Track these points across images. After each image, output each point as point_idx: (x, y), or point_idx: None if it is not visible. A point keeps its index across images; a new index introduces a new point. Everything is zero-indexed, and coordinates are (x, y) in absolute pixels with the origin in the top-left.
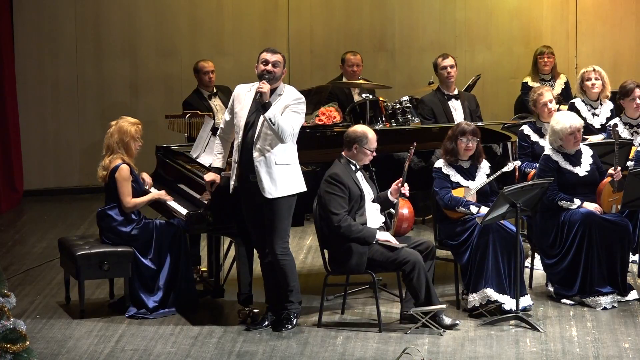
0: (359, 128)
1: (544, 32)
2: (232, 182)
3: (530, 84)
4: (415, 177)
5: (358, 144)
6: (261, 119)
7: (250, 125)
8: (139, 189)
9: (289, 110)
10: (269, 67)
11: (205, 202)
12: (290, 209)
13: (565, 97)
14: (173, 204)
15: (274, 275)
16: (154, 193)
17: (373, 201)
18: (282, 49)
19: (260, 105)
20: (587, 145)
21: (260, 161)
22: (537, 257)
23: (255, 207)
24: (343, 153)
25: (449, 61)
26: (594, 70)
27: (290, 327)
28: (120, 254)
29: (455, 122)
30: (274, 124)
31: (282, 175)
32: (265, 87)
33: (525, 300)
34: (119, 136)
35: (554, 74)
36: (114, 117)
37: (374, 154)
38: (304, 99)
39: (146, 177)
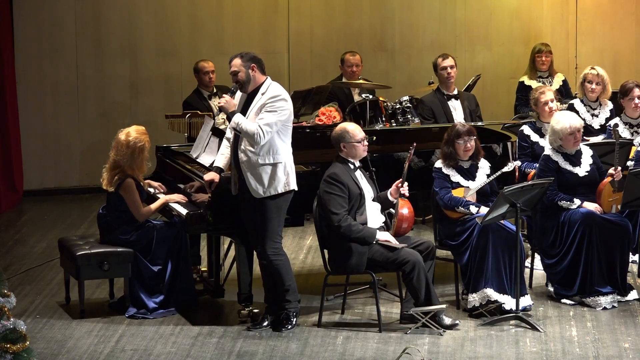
0: (337, 128)
1: (544, 32)
2: (232, 184)
3: (527, 83)
4: (415, 177)
5: (343, 141)
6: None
7: None
8: (141, 198)
9: (264, 110)
10: (233, 78)
11: (190, 190)
12: (279, 209)
13: (563, 96)
14: (173, 204)
15: (270, 275)
16: (168, 197)
17: (373, 200)
18: (282, 49)
19: (226, 117)
20: (587, 145)
21: (245, 162)
22: (537, 257)
23: (248, 206)
24: (339, 154)
25: (449, 61)
26: (597, 74)
27: (290, 326)
28: (120, 254)
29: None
30: (240, 132)
31: (268, 175)
32: (223, 100)
33: (525, 300)
34: (132, 156)
35: (551, 72)
36: (114, 117)
37: (366, 143)
38: (282, 96)
39: (154, 183)
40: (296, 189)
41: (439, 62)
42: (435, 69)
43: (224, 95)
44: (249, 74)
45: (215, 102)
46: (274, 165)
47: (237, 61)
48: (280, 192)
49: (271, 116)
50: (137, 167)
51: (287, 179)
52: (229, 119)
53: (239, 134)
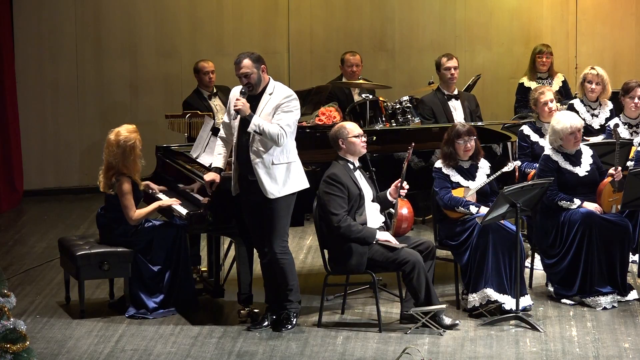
0: (334, 127)
1: (544, 32)
2: (232, 184)
3: (527, 84)
4: (415, 177)
5: (341, 138)
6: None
7: (245, 125)
8: (135, 197)
9: (281, 111)
10: (244, 80)
11: (196, 194)
12: (289, 207)
13: (563, 96)
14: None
15: (273, 275)
16: (161, 202)
17: (372, 201)
18: (282, 49)
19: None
20: (587, 145)
21: (258, 162)
22: (537, 257)
23: (254, 206)
24: (338, 154)
25: (453, 62)
26: (597, 74)
27: (290, 327)
28: (120, 254)
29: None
30: (261, 134)
31: (282, 175)
32: (240, 103)
33: (525, 300)
34: (124, 156)
35: (551, 73)
36: (114, 117)
37: (365, 138)
38: (294, 95)
39: (153, 186)
40: (308, 186)
41: (443, 62)
42: (438, 67)
43: (238, 98)
44: (260, 75)
45: (215, 103)
46: (288, 165)
47: (247, 62)
48: (295, 190)
49: (290, 116)
50: (130, 165)
51: (301, 177)
52: (247, 122)
53: (260, 136)
